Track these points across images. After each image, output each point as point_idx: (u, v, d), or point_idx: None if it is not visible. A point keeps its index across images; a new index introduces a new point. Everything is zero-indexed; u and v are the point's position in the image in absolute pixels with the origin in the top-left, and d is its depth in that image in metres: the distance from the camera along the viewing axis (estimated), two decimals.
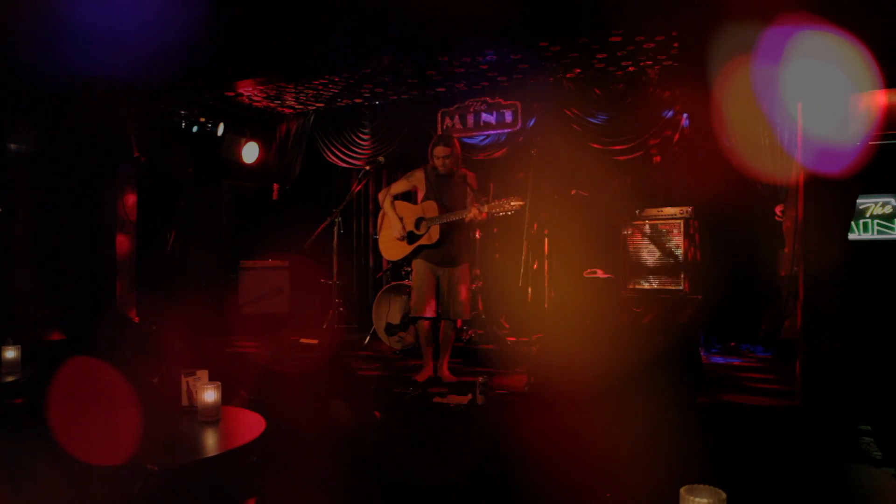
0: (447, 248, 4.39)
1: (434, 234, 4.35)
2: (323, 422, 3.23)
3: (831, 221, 3.63)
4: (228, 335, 6.24)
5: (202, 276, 6.68)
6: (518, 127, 6.18)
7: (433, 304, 4.46)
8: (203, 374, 2.75)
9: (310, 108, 7.02)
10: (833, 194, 3.58)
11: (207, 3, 4.29)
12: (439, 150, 4.32)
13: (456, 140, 4.46)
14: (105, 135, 5.85)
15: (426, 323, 4.50)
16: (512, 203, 4.13)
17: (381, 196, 4.63)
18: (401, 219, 4.47)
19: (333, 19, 4.66)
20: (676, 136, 5.57)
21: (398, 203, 4.55)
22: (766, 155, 5.18)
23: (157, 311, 5.83)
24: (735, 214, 5.40)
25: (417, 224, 4.44)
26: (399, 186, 4.57)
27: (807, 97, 3.58)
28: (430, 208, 4.38)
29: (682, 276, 5.16)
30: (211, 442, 2.44)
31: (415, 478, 2.90)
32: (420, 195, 4.49)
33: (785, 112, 4.05)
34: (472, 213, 4.22)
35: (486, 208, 4.20)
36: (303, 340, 5.61)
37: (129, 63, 4.72)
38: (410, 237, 4.47)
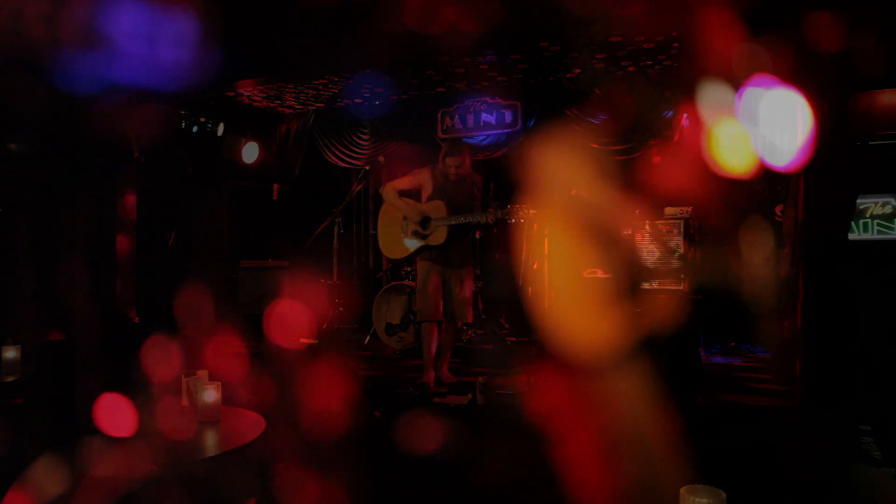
0: (454, 250, 4.33)
1: (441, 234, 4.29)
2: (323, 421, 3.23)
3: (831, 221, 3.63)
4: (228, 335, 6.23)
5: (202, 276, 6.67)
6: (518, 127, 6.18)
7: (441, 306, 4.37)
8: (203, 374, 2.75)
9: (310, 108, 7.02)
10: (833, 194, 3.59)
11: (208, 2, 4.29)
12: (451, 161, 4.27)
13: (466, 148, 4.41)
14: (105, 135, 5.85)
15: (435, 326, 4.39)
16: (526, 211, 4.08)
17: (382, 190, 4.52)
18: (404, 219, 4.44)
19: (334, 19, 4.66)
20: (676, 136, 5.57)
21: (404, 199, 4.46)
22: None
23: (156, 311, 5.83)
24: (735, 214, 5.39)
25: (423, 223, 4.38)
26: (403, 183, 4.47)
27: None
28: (439, 208, 4.32)
29: (682, 276, 5.16)
30: (211, 442, 2.44)
31: (415, 477, 2.90)
32: (425, 195, 4.42)
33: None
34: (483, 218, 4.18)
35: (498, 213, 4.15)
36: (303, 340, 5.61)
37: (130, 63, 4.72)
38: (415, 236, 4.40)
